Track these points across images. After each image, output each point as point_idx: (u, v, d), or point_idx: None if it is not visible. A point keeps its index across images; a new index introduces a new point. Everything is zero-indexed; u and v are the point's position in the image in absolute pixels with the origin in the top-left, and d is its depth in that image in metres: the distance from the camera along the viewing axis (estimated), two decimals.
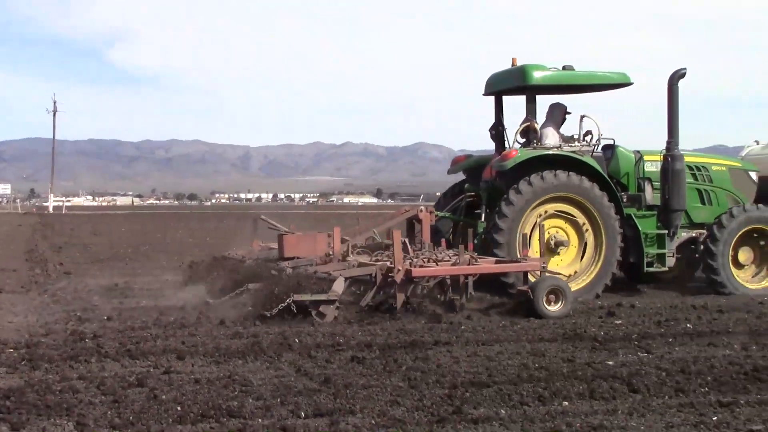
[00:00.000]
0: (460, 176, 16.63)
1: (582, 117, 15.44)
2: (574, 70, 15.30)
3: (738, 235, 15.50)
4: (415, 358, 9.27)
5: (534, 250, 13.88)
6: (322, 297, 11.41)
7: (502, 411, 7.22)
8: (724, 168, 16.38)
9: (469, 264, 12.59)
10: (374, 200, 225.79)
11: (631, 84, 15.59)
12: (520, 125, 15.43)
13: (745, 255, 15.62)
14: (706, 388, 8.06)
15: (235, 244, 16.16)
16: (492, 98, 16.34)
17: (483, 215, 15.13)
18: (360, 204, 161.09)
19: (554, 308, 12.34)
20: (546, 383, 8.09)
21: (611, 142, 15.79)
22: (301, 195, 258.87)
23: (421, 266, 12.19)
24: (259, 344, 9.95)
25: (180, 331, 10.98)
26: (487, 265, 12.94)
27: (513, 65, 15.59)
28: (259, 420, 6.93)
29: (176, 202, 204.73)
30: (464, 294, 12.52)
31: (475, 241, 14.13)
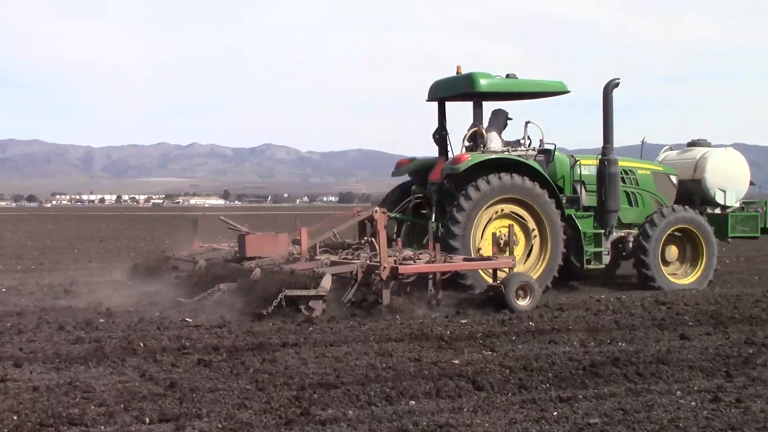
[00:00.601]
0: (404, 177, 17.29)
1: (527, 123, 16.26)
2: (517, 78, 16.13)
3: (667, 233, 16.64)
4: (262, 360, 9.22)
5: (485, 249, 14.88)
6: (312, 293, 11.96)
7: (350, 411, 7.26)
8: (648, 172, 17.58)
9: (444, 262, 13.44)
10: (221, 202, 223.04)
11: (567, 92, 16.59)
12: (468, 130, 16.25)
13: (670, 253, 16.81)
14: (547, 384, 8.32)
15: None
16: (435, 104, 16.90)
17: (433, 216, 15.82)
18: (207, 206, 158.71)
19: (523, 303, 13.13)
20: (393, 383, 8.17)
21: (552, 146, 16.59)
22: (146, 196, 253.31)
23: (404, 263, 13.01)
24: (102, 349, 9.72)
25: (17, 337, 10.63)
26: (465, 262, 13.90)
27: (458, 73, 16.33)
28: (102, 427, 6.77)
29: (14, 204, 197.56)
30: (439, 290, 13.28)
31: (424, 241, 14.94)
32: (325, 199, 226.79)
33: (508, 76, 16.12)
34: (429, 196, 16.34)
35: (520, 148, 16.22)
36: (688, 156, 18.37)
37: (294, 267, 13.05)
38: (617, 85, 16.00)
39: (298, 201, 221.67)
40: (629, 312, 13.06)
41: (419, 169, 16.82)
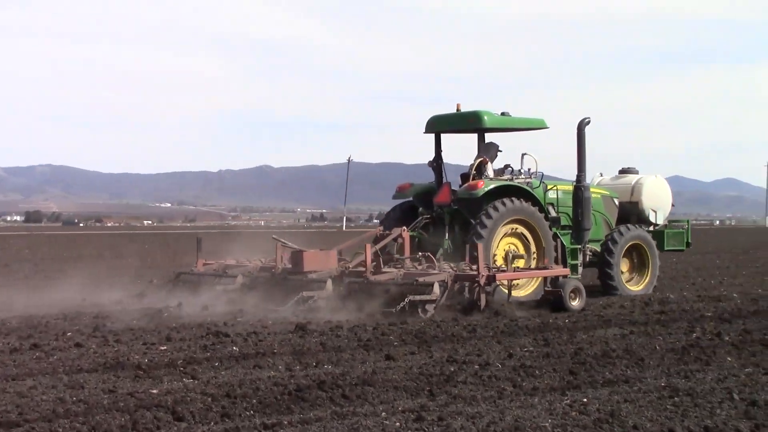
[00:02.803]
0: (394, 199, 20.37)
1: (523, 155, 19.55)
2: (510, 115, 19.48)
3: (625, 248, 20.15)
4: None
5: (498, 262, 17.89)
6: (427, 297, 15.00)
7: None
8: (599, 196, 20.86)
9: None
10: None
11: (546, 128, 20.08)
12: (475, 160, 19.43)
13: (624, 265, 20.32)
14: (251, 411, 8.30)
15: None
16: (429, 135, 19.81)
17: (447, 233, 18.95)
18: None
19: (575, 303, 16.32)
20: (85, 418, 7.86)
21: (540, 174, 19.96)
22: None
23: (502, 272, 16.20)
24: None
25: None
26: (545, 271, 16.94)
27: (458, 110, 19.54)
28: None
29: None
30: (509, 296, 16.25)
31: (439, 255, 18.02)
32: (8, 218, 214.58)
33: (502, 113, 19.46)
34: (438, 217, 19.32)
35: (520, 177, 19.49)
36: (623, 182, 21.87)
37: (377, 278, 16.13)
38: (588, 122, 19.33)
39: None
40: (335, 334, 13.31)
41: (423, 193, 19.93)
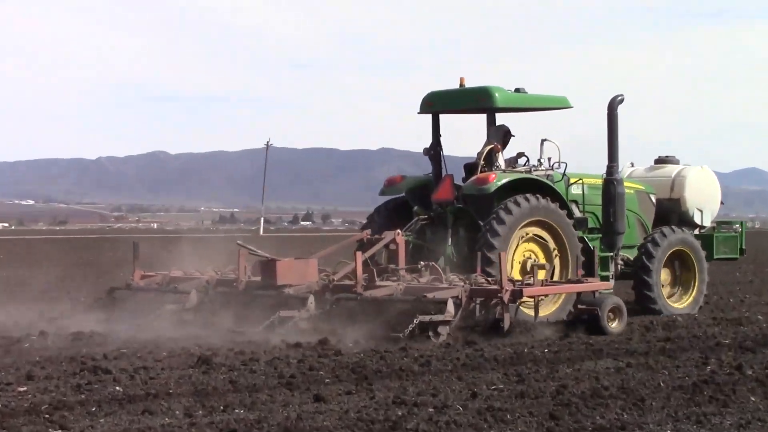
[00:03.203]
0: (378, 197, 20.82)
1: (543, 140, 20.01)
2: (525, 92, 19.95)
3: (667, 255, 20.44)
4: None
5: (514, 273, 18.25)
6: (440, 318, 15.44)
7: None
8: (632, 191, 21.10)
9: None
10: None
11: (570, 107, 20.60)
12: (484, 147, 19.73)
13: (663, 275, 20.58)
14: None
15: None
16: (424, 116, 20.58)
17: (449, 238, 19.28)
18: None
19: (614, 325, 16.81)
20: None
21: (564, 166, 20.31)
22: None
23: (527, 286, 16.52)
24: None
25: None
26: (583, 284, 17.24)
27: (462, 85, 20.10)
28: None
29: None
30: (537, 315, 16.92)
31: (441, 263, 18.26)
32: None
33: (517, 90, 19.92)
34: (437, 218, 19.66)
35: (540, 168, 19.92)
36: (660, 174, 22.18)
37: (373, 294, 16.61)
38: (622, 101, 19.79)
39: None
40: (249, 369, 13.18)
41: (417, 188, 20.38)
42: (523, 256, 19.02)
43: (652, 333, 17.19)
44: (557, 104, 20.90)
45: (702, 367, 13.46)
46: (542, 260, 19.07)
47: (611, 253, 20.08)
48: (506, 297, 16.02)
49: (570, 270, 19.05)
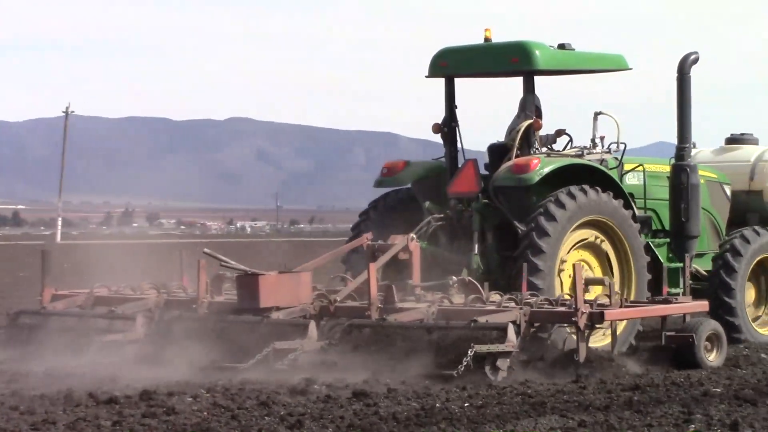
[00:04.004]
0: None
1: (597, 114, 19.66)
2: (572, 49, 19.18)
3: (751, 266, 19.21)
4: None
5: (564, 289, 17.70)
6: (501, 348, 15.26)
7: None
8: (702, 181, 19.77)
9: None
10: None
11: (629, 69, 19.93)
12: (518, 122, 18.82)
13: (748, 292, 19.45)
14: None
15: None
16: (435, 81, 19.81)
17: (475, 246, 18.34)
18: None
19: (713, 358, 16.78)
20: None
21: (622, 146, 19.56)
22: None
23: (609, 308, 15.82)
24: None
25: None
26: (670, 306, 17.36)
27: (487, 39, 19.08)
28: None
29: None
30: (615, 344, 16.47)
31: (464, 276, 17.37)
32: None
33: (561, 46, 19.12)
34: (457, 217, 19.06)
35: (595, 151, 19.22)
36: (735, 158, 21.53)
37: (398, 318, 16.26)
38: (696, 60, 19.35)
39: None
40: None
41: (426, 177, 19.59)
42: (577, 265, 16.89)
43: (615, 379, 16.08)
44: (613, 65, 20.14)
45: (683, 427, 12.42)
46: (598, 272, 18.49)
47: (682, 264, 18.84)
48: (582, 322, 15.71)
49: (634, 287, 18.33)
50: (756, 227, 19.99)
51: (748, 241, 19.44)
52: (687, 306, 17.10)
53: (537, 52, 18.82)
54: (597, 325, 16.10)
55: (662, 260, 18.95)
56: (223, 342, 16.59)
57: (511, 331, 15.43)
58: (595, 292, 17.24)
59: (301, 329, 16.36)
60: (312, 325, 16.25)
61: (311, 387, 14.72)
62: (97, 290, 19.08)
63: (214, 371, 15.85)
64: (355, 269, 18.38)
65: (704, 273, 19.55)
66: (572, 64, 19.79)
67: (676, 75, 19.45)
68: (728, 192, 20.81)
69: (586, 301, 16.03)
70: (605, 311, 15.88)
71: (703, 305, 17.25)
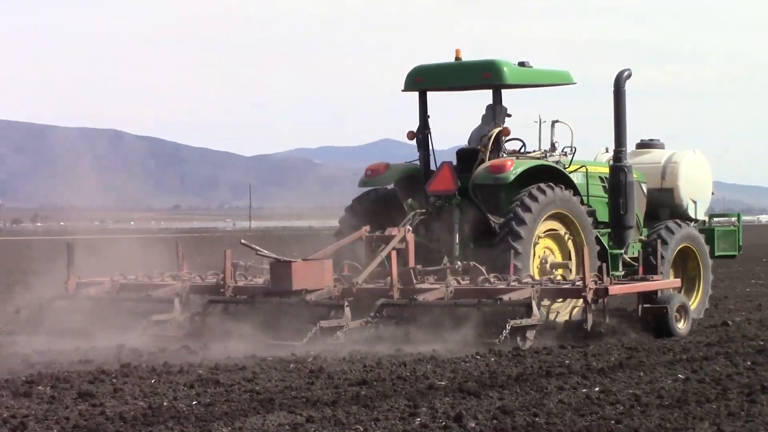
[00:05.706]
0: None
1: (554, 122, 21.73)
2: (531, 66, 21.59)
3: (675, 253, 21.07)
4: None
5: (533, 271, 19.76)
6: (531, 322, 17.54)
7: None
8: None
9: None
10: None
11: (573, 83, 22.68)
12: (488, 129, 21.19)
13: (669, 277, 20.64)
14: None
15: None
16: (410, 95, 22.18)
17: (456, 236, 20.69)
18: None
19: (682, 326, 18.78)
20: None
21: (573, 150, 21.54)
22: None
23: (615, 284, 17.95)
24: None
25: None
26: (659, 282, 19.62)
27: (458, 58, 21.42)
28: None
29: None
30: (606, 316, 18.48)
31: (446, 263, 19.83)
32: None
33: (521, 64, 21.28)
34: (436, 212, 21.17)
35: (555, 154, 21.32)
36: (647, 160, 23.13)
37: (426, 297, 18.41)
38: (629, 76, 21.22)
39: None
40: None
41: (407, 177, 21.78)
42: (544, 252, 20.58)
43: (349, 371, 15.75)
44: (561, 80, 22.52)
45: (409, 420, 12.26)
46: (558, 258, 20.95)
47: (621, 251, 21.21)
48: (590, 296, 17.84)
49: (586, 270, 18.74)
50: (677, 220, 22.27)
51: (672, 232, 21.85)
52: (668, 282, 19.67)
53: (505, 69, 21.30)
54: (604, 298, 18.34)
55: (608, 249, 21.27)
56: (270, 321, 18.69)
57: (534, 306, 17.63)
58: (557, 273, 20.12)
59: (336, 309, 18.39)
60: (347, 303, 18.27)
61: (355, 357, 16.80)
62: (116, 278, 21.05)
63: (269, 347, 17.56)
64: (352, 258, 20.91)
65: (629, 260, 21.64)
66: (532, 79, 22.16)
67: (612, 89, 21.78)
68: (645, 189, 22.91)
69: (596, 277, 18.13)
70: (609, 287, 18.10)
71: (677, 282, 20.34)
